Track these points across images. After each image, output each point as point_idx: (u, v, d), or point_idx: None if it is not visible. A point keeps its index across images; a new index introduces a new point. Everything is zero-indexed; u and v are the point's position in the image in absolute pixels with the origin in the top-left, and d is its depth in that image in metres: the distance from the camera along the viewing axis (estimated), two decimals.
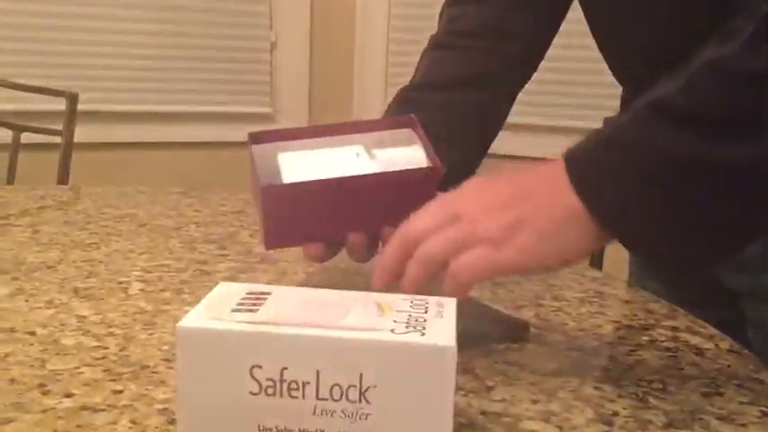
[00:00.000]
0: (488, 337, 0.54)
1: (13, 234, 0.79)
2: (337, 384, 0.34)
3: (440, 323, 0.36)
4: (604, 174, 0.45)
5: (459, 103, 0.67)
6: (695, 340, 0.57)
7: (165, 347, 0.50)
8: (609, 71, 0.68)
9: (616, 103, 0.70)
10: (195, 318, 0.35)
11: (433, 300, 0.39)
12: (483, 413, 0.43)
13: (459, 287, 0.47)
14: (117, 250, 0.75)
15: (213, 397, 0.35)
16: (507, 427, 0.41)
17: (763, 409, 0.45)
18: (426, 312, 0.37)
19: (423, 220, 0.49)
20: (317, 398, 0.34)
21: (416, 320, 0.36)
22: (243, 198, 1.05)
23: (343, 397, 0.34)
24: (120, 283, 0.64)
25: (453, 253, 0.47)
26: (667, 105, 0.44)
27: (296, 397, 0.34)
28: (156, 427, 0.39)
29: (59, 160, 1.52)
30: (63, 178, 1.51)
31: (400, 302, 0.38)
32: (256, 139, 0.58)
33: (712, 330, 0.59)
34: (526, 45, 0.70)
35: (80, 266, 0.68)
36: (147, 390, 0.44)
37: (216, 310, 0.36)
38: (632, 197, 0.44)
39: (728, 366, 0.51)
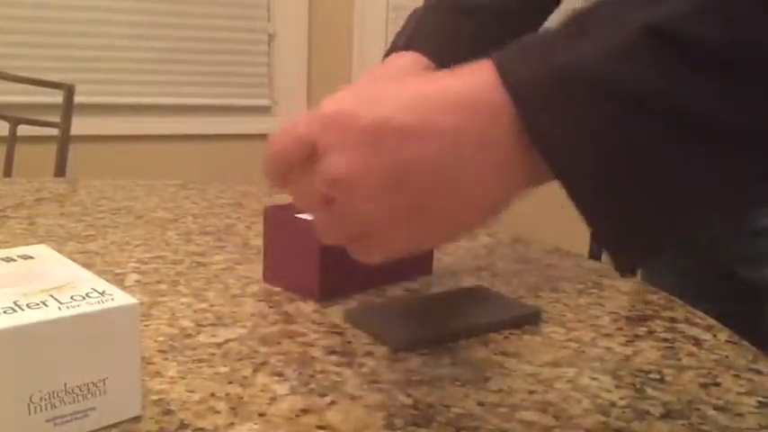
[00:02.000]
0: (501, 324, 0.54)
1: (10, 226, 0.79)
2: None
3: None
4: (569, 121, 0.33)
5: (471, 30, 0.63)
6: (693, 331, 0.56)
7: (161, 339, 0.50)
8: None
9: None
10: None
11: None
12: (480, 404, 0.43)
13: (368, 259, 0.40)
14: (113, 242, 0.74)
15: None
16: (504, 418, 0.41)
17: (761, 399, 0.45)
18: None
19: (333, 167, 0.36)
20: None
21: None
22: (240, 190, 1.04)
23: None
24: (117, 274, 0.64)
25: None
26: (667, 30, 0.31)
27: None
28: (151, 418, 0.39)
29: (56, 153, 1.51)
30: (60, 170, 1.51)
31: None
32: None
33: (710, 321, 0.59)
34: None
35: (76, 258, 0.68)
36: (142, 381, 0.43)
37: None
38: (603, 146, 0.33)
39: (726, 357, 0.51)
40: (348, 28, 2.41)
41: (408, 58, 0.58)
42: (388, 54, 0.61)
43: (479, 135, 0.35)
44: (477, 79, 0.35)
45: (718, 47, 0.31)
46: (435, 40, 0.60)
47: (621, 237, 0.35)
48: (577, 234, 1.07)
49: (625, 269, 0.37)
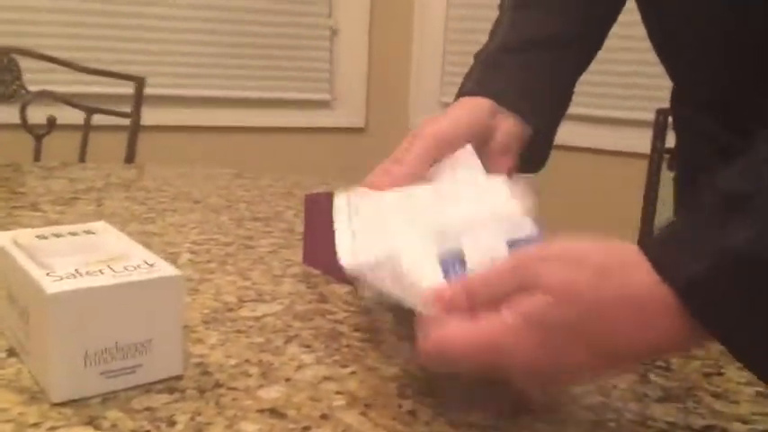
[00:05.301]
0: None
1: (79, 207, 0.86)
2: None
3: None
4: (742, 306, 0.36)
5: (542, 65, 0.67)
6: None
7: (206, 311, 0.55)
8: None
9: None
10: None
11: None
12: (486, 379, 0.46)
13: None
14: (171, 224, 0.81)
15: None
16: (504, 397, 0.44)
17: (760, 389, 0.47)
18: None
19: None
20: None
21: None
22: (291, 180, 1.10)
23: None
24: (171, 253, 0.70)
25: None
26: None
27: None
28: (191, 377, 0.44)
29: (127, 141, 1.60)
30: (130, 158, 1.60)
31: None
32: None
33: None
34: (606, 5, 0.70)
35: (136, 237, 0.74)
36: (186, 346, 0.49)
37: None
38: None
39: None
40: (408, 25, 2.45)
41: (473, 105, 0.62)
42: (457, 97, 0.66)
43: (653, 335, 0.38)
44: (653, 296, 0.38)
45: None
46: (503, 82, 0.64)
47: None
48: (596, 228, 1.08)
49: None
